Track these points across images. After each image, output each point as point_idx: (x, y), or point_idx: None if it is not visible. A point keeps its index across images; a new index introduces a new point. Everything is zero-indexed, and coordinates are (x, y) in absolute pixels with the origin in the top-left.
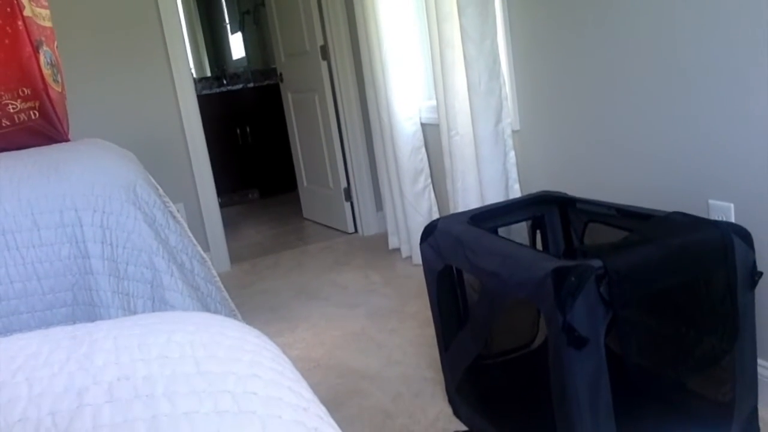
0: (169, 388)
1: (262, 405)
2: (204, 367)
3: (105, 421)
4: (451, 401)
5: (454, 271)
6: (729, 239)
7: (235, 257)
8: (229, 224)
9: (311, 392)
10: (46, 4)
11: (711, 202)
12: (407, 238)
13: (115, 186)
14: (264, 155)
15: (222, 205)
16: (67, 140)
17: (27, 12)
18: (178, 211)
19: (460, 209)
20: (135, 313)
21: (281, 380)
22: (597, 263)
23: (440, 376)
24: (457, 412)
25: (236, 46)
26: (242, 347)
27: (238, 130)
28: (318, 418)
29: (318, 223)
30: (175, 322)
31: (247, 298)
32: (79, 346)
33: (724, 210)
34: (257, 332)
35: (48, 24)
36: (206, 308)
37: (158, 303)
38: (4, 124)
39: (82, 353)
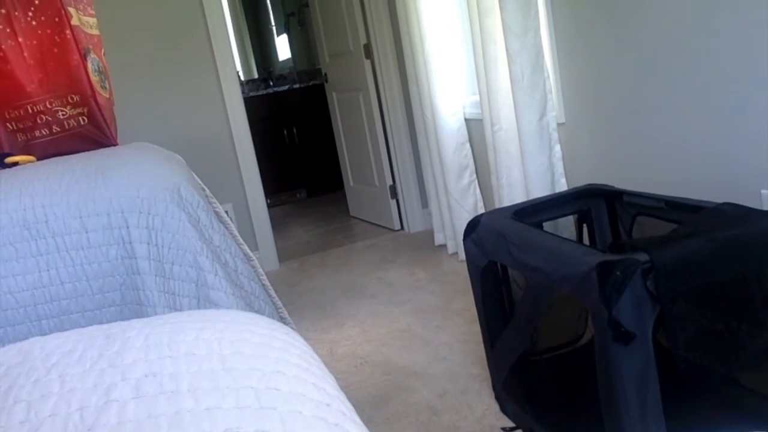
0: (194, 384)
1: (284, 401)
2: (229, 364)
3: (130, 416)
4: (497, 398)
5: (499, 267)
6: None
7: (283, 256)
8: (277, 224)
9: (337, 389)
10: (93, 12)
11: (764, 192)
12: (453, 235)
13: (160, 188)
14: (311, 155)
15: (270, 205)
16: (115, 144)
17: (74, 21)
18: (226, 211)
19: (506, 204)
20: (181, 311)
21: (306, 377)
22: (643, 257)
23: (487, 373)
24: (504, 409)
25: (282, 47)
26: (269, 344)
27: (284, 131)
28: (341, 414)
29: (364, 221)
30: (205, 320)
31: (295, 296)
32: (111, 344)
33: None
34: (287, 329)
35: (95, 32)
36: (250, 306)
37: (203, 302)
38: (54, 130)
39: (113, 351)
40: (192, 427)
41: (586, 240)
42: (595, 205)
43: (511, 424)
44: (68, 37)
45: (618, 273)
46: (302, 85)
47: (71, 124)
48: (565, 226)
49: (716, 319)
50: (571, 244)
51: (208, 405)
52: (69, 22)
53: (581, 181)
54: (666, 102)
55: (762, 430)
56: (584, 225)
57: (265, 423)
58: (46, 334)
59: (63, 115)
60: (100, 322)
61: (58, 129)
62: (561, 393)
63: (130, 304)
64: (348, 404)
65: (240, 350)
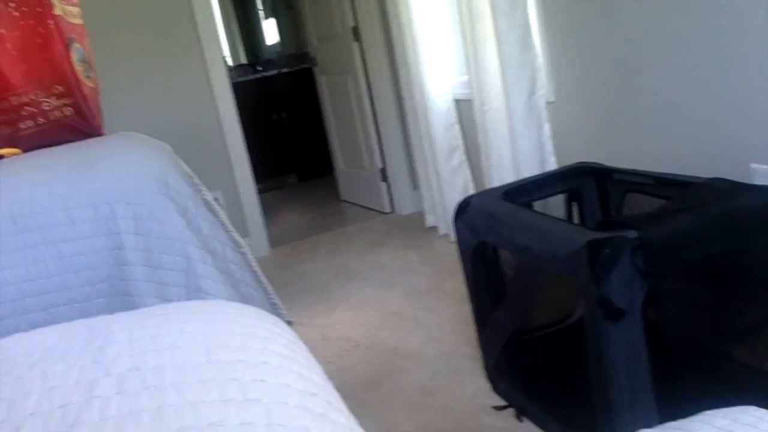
0: (178, 377)
1: (269, 392)
2: (214, 356)
3: (112, 412)
4: (489, 377)
5: (489, 248)
6: None
7: (274, 241)
8: (268, 209)
9: (324, 378)
10: (76, 1)
11: (753, 166)
12: (443, 216)
13: (147, 178)
14: (300, 139)
15: (261, 191)
16: (102, 135)
17: (57, 11)
18: (216, 199)
19: (496, 184)
20: (170, 301)
21: (291, 366)
22: (632, 234)
23: (478, 353)
24: (496, 388)
25: (270, 31)
26: (255, 335)
27: (273, 116)
28: (326, 403)
29: (355, 205)
30: (190, 312)
31: (286, 282)
32: (94, 340)
33: (766, 174)
34: (273, 319)
35: (79, 21)
36: (240, 294)
37: (193, 291)
38: (39, 122)
39: (96, 346)
40: (175, 422)
41: (576, 219)
42: (585, 183)
43: (503, 403)
44: (51, 27)
45: (607, 251)
46: (291, 69)
47: (56, 116)
48: (556, 205)
49: (706, 293)
50: (560, 222)
51: (191, 399)
52: (51, 11)
53: (571, 160)
54: (655, 78)
55: (754, 403)
56: (574, 203)
57: (250, 415)
58: (34, 327)
59: (48, 106)
60: (89, 314)
61: (44, 120)
62: (552, 371)
63: (119, 295)
64: (334, 393)
65: (224, 342)
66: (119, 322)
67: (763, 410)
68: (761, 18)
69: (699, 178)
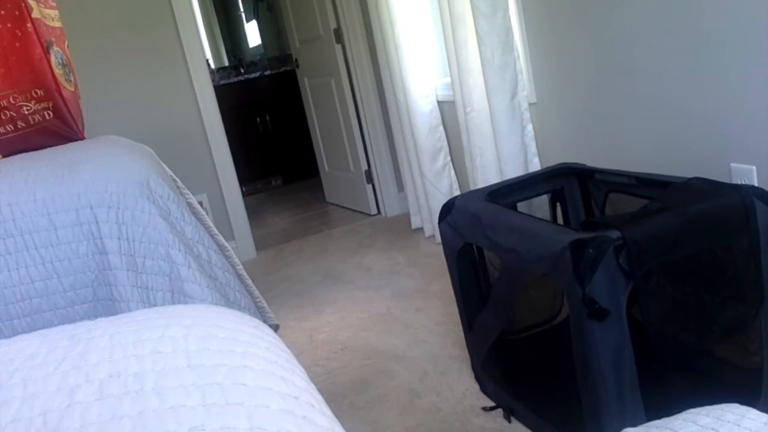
0: (159, 383)
1: (251, 396)
2: (195, 361)
3: (93, 418)
4: (477, 378)
5: (474, 249)
6: (750, 203)
7: (260, 244)
8: (253, 212)
9: (306, 381)
10: (54, 4)
11: (733, 165)
12: (429, 217)
13: (129, 182)
14: (285, 142)
15: (246, 194)
16: (82, 138)
17: (35, 14)
18: (200, 202)
19: (480, 186)
20: (155, 306)
21: (274, 370)
22: (615, 234)
23: (466, 354)
24: (484, 389)
25: (252, 34)
26: (237, 338)
27: (257, 119)
28: (309, 406)
29: (341, 207)
30: (171, 317)
31: (273, 285)
32: (75, 346)
33: (746, 173)
34: (256, 322)
35: (57, 24)
36: (225, 298)
37: (177, 295)
38: (19, 126)
39: (77, 352)
40: (156, 427)
41: (559, 219)
42: (568, 183)
43: (491, 404)
44: (30, 30)
45: (591, 251)
46: (273, 72)
47: (36, 119)
48: (539, 205)
49: (688, 292)
50: (544, 223)
51: (173, 404)
52: (30, 14)
53: (554, 161)
54: (636, 79)
55: (736, 400)
56: (558, 204)
57: (231, 419)
58: (18, 333)
59: (28, 110)
60: (73, 320)
61: (23, 125)
62: (539, 371)
63: (103, 300)
64: (317, 395)
65: (206, 346)
66: (100, 328)
67: (744, 407)
68: (741, 19)
69: (680, 177)
